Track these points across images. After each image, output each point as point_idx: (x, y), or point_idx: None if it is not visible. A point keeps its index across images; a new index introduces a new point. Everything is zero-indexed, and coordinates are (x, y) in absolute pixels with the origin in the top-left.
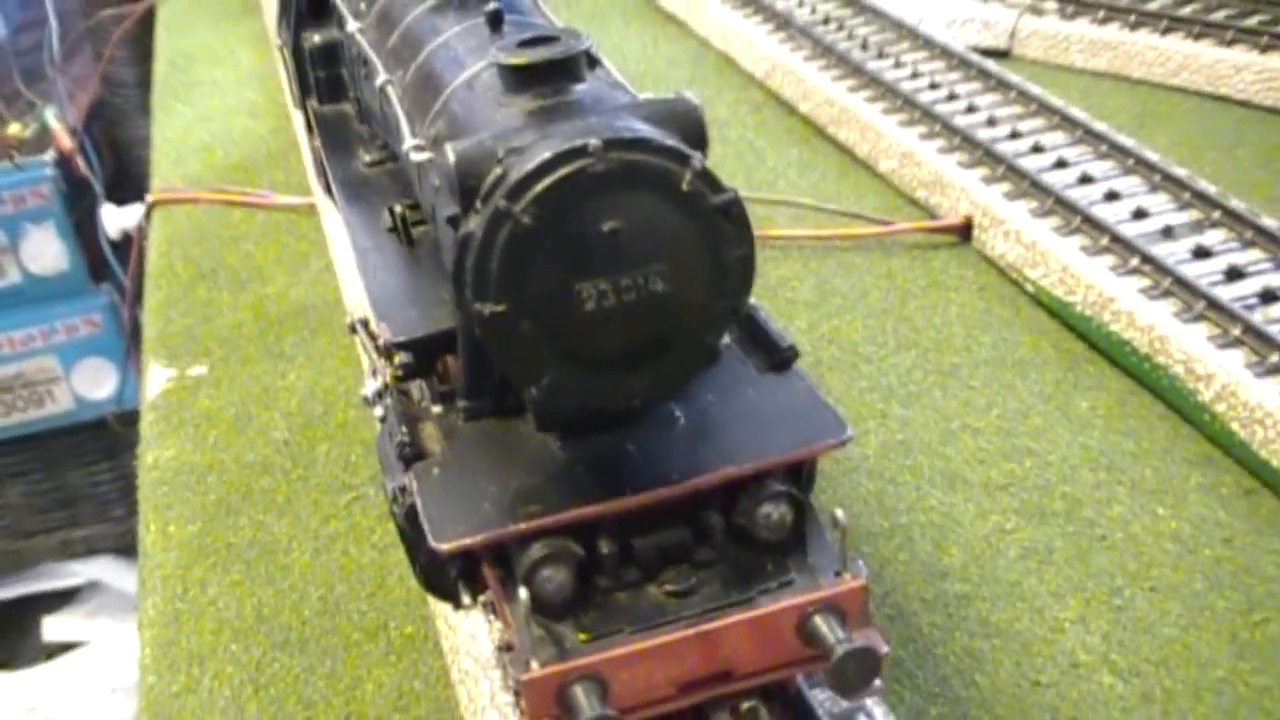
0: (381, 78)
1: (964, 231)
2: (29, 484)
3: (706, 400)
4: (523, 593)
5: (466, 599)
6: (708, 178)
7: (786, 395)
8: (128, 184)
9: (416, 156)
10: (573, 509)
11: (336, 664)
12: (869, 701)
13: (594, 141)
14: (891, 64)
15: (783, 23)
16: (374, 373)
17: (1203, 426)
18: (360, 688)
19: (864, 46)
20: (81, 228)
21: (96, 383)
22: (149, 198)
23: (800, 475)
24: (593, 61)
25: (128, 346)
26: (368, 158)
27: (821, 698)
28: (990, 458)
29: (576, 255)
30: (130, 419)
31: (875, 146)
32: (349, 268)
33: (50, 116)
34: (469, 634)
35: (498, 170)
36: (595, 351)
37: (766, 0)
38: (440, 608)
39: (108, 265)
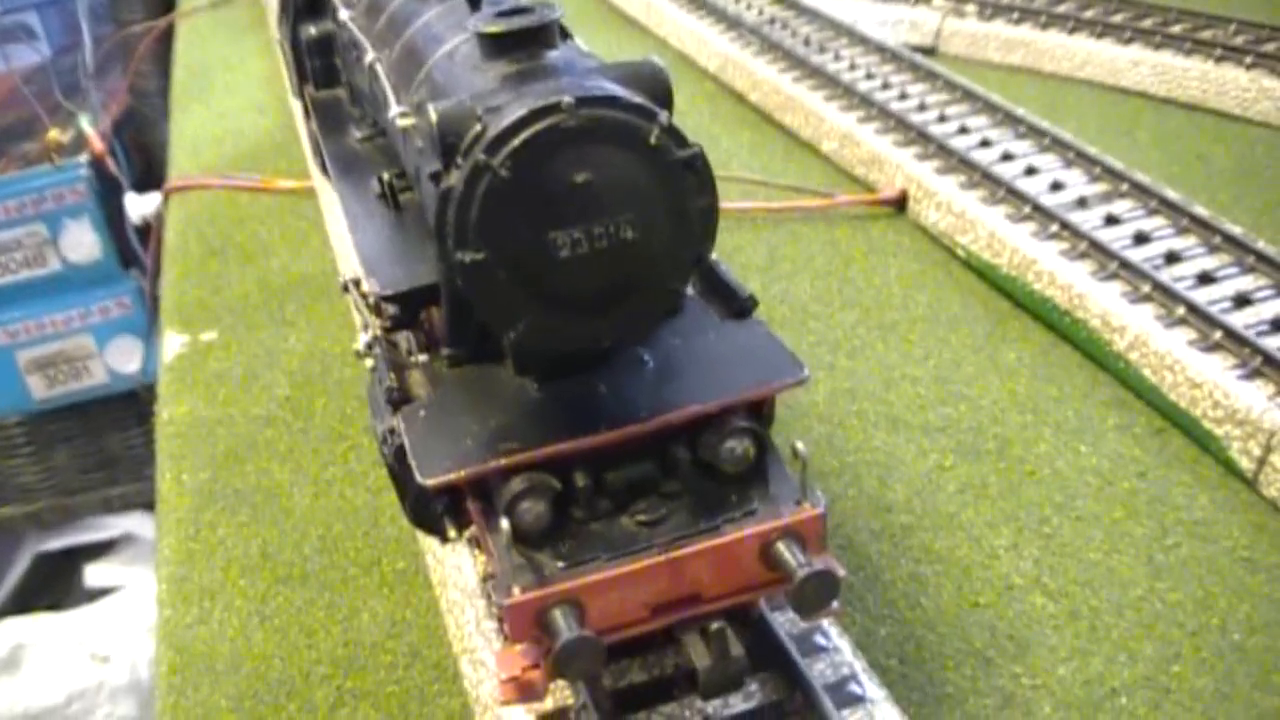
0: (370, 56)
1: (899, 203)
2: (73, 448)
3: (672, 345)
4: (504, 523)
5: (452, 533)
6: (674, 133)
7: (747, 340)
8: (153, 181)
9: (401, 122)
10: (549, 445)
11: (335, 596)
12: (825, 623)
13: (566, 99)
14: (831, 58)
15: (733, 23)
16: (365, 327)
17: (1117, 373)
18: (357, 617)
19: (806, 43)
20: (113, 221)
21: (127, 357)
22: (166, 185)
23: (761, 413)
24: (564, 33)
25: (151, 323)
26: (358, 134)
27: (781, 620)
28: (928, 403)
29: (551, 205)
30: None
31: (818, 129)
32: (343, 236)
33: (85, 123)
34: (455, 567)
35: (477, 127)
36: (569, 296)
37: (718, 4)
38: (428, 544)
39: (135, 253)
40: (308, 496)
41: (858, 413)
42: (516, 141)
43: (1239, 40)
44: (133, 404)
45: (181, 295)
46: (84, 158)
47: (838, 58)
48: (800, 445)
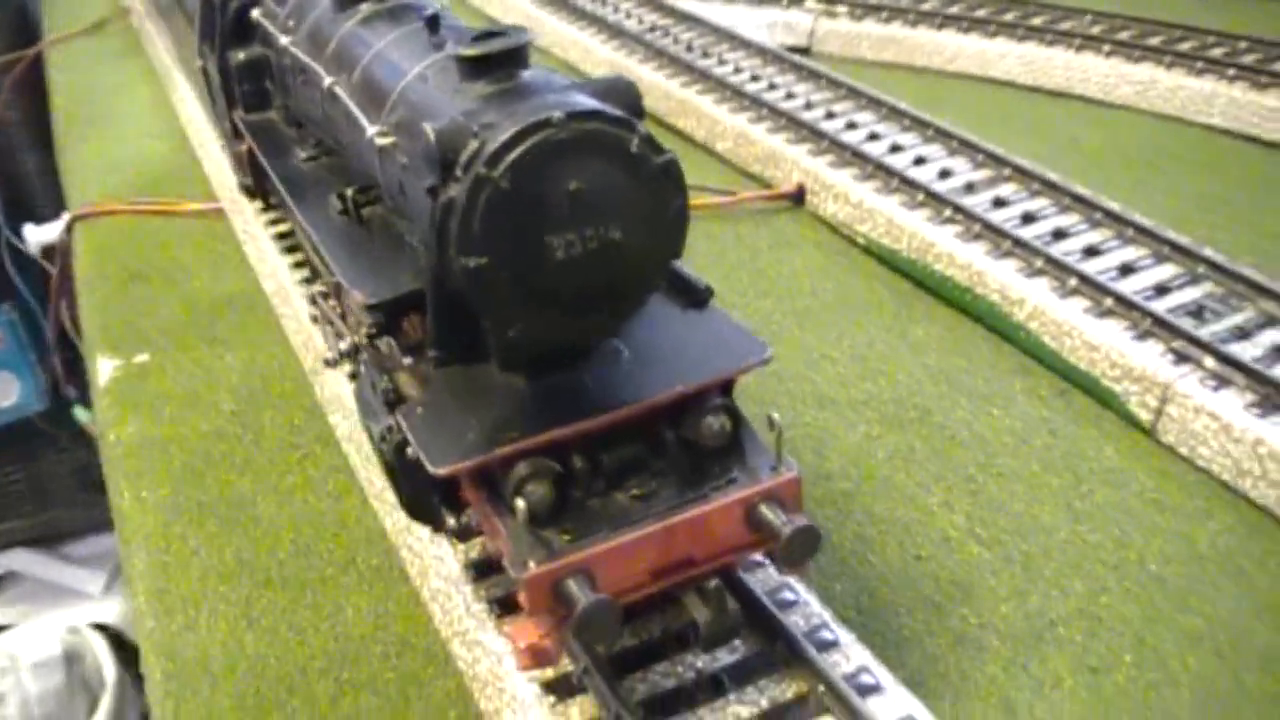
0: (328, 81)
1: (798, 197)
2: None
3: (642, 335)
4: (520, 503)
5: (451, 521)
6: (651, 142)
7: (711, 326)
8: (23, 211)
9: (380, 141)
10: (548, 432)
11: (317, 595)
12: (792, 580)
13: (557, 114)
14: (716, 62)
15: (615, 32)
16: (339, 336)
17: (1019, 342)
18: (342, 613)
19: (689, 49)
20: None
21: (3, 394)
22: (68, 214)
23: (731, 391)
24: None
25: (42, 350)
26: (303, 154)
27: (753, 581)
28: (849, 380)
29: (547, 212)
30: (49, 419)
31: (711, 131)
32: (267, 255)
33: None
34: (436, 558)
35: (473, 143)
36: (562, 295)
37: (599, 14)
38: (402, 539)
39: (12, 285)
40: (272, 505)
41: (786, 392)
42: (514, 155)
43: (1096, 30)
44: (8, 441)
45: (106, 320)
46: None
47: (722, 61)
48: (776, 416)
